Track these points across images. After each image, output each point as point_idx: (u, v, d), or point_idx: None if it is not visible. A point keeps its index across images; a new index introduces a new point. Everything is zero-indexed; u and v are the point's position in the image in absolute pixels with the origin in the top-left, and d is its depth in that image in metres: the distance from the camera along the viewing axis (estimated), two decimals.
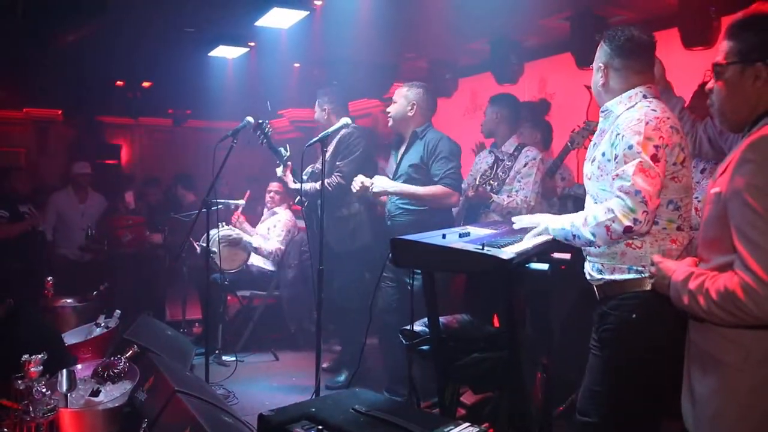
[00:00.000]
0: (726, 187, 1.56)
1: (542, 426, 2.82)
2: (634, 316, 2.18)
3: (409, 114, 4.05)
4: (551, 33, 5.48)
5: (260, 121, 4.33)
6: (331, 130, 3.92)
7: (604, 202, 2.18)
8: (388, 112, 4.16)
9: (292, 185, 4.51)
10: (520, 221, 2.49)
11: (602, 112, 2.36)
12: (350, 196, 4.25)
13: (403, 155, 4.08)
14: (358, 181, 3.97)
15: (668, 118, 2.18)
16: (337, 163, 4.33)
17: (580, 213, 2.30)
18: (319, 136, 3.74)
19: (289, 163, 4.52)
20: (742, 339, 1.56)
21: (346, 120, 3.90)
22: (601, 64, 2.33)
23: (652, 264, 1.85)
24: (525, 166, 4.03)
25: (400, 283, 3.89)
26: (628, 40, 2.29)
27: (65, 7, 4.91)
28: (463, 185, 4.25)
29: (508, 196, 4.00)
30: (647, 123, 2.13)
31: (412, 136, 4.06)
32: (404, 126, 4.10)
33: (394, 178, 4.03)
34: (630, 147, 2.12)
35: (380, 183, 3.89)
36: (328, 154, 4.35)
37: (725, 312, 1.51)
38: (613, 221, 2.10)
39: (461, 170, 4.05)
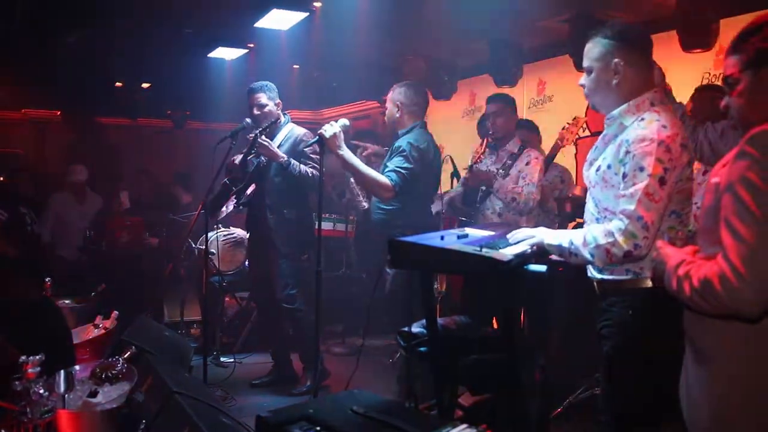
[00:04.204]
0: (724, 179, 1.58)
1: (540, 428, 2.82)
2: (630, 312, 2.19)
3: (397, 115, 4.00)
4: (550, 35, 5.48)
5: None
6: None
7: (606, 224, 2.18)
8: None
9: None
10: (514, 236, 2.45)
11: (608, 118, 2.30)
12: (295, 198, 4.29)
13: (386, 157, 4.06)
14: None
15: (677, 135, 2.15)
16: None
17: (579, 231, 2.28)
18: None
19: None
20: (725, 330, 1.57)
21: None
22: (616, 60, 2.20)
23: (656, 249, 1.86)
24: (527, 164, 4.06)
25: None
26: (641, 32, 2.28)
27: (64, 9, 4.92)
28: (452, 192, 4.26)
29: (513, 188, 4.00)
30: (659, 144, 2.09)
31: (394, 138, 4.02)
32: (396, 128, 4.06)
33: None
34: (641, 169, 2.09)
35: (331, 130, 3.63)
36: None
37: (703, 300, 1.53)
38: (614, 245, 2.10)
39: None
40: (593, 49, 2.27)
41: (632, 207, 2.08)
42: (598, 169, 2.28)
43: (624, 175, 2.15)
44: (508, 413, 2.50)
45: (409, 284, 2.98)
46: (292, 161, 4.18)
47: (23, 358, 2.46)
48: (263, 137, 4.18)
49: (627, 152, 2.15)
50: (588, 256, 2.17)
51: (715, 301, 1.50)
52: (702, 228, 1.73)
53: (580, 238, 2.21)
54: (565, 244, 2.25)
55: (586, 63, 2.30)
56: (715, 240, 1.59)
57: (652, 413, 2.23)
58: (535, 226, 2.55)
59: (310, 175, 4.20)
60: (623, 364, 2.22)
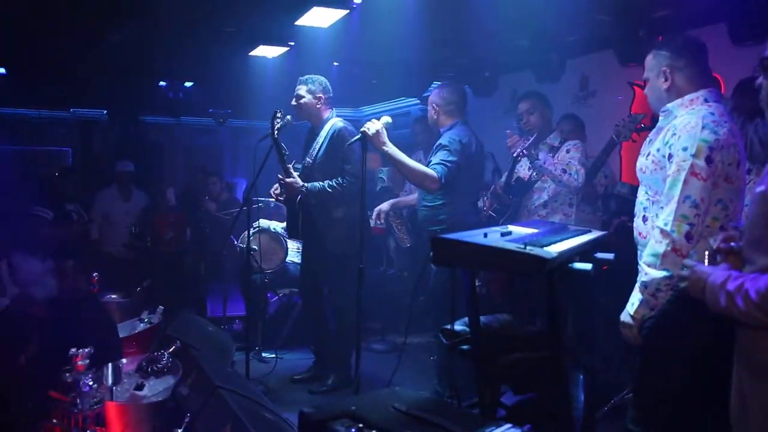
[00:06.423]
0: None
1: (584, 428, 2.78)
2: (671, 302, 2.21)
3: (435, 117, 4.09)
4: (593, 29, 5.37)
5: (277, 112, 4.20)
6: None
7: (653, 233, 2.23)
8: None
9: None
10: None
11: (662, 111, 2.40)
12: (339, 200, 4.21)
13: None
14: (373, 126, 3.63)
15: (726, 122, 2.19)
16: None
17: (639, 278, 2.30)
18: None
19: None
20: None
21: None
22: (664, 68, 2.37)
23: (685, 268, 1.80)
24: (567, 152, 4.01)
25: None
26: (687, 41, 2.37)
27: (108, 8, 5.02)
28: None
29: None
30: (703, 127, 2.15)
31: (437, 138, 4.07)
32: (437, 128, 4.15)
33: None
34: (685, 149, 2.15)
35: (374, 128, 3.60)
36: None
37: (765, 313, 1.45)
38: (673, 242, 2.14)
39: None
40: (648, 62, 2.46)
41: (677, 190, 2.14)
42: (647, 155, 2.36)
43: (670, 156, 2.21)
44: (552, 413, 2.46)
45: (452, 282, 2.96)
46: (307, 188, 4.19)
47: (73, 350, 2.52)
48: (286, 177, 4.21)
49: (673, 134, 2.23)
50: (663, 273, 2.20)
51: None
52: (750, 239, 1.65)
53: (643, 274, 2.27)
54: (639, 291, 2.30)
55: (644, 75, 2.50)
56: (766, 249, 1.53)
57: (684, 406, 2.24)
58: (580, 224, 2.55)
59: (329, 189, 4.17)
60: (659, 357, 2.24)
